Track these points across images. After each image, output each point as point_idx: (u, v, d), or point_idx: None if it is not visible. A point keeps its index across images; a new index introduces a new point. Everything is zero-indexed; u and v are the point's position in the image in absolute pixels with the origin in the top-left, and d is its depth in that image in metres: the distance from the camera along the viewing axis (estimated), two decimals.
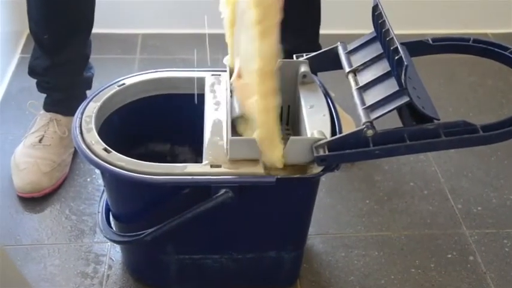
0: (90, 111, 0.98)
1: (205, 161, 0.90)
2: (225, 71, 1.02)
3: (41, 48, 1.27)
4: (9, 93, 1.53)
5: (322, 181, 1.22)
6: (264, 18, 0.82)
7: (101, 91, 1.02)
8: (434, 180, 1.35)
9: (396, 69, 0.86)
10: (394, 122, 0.89)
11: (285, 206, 0.97)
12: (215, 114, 0.98)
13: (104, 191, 1.05)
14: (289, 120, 1.08)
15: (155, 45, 1.74)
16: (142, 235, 0.93)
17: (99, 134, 0.94)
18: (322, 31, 1.34)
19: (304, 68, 1.01)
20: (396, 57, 0.85)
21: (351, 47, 1.00)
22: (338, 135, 0.90)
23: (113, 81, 1.05)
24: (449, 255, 1.18)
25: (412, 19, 1.78)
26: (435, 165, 1.38)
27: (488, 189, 1.33)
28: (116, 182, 0.96)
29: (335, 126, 0.94)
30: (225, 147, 0.91)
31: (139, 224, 0.96)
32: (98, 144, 0.92)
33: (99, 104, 1.00)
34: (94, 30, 1.29)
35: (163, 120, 1.09)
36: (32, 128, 1.33)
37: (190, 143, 1.09)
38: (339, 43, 1.02)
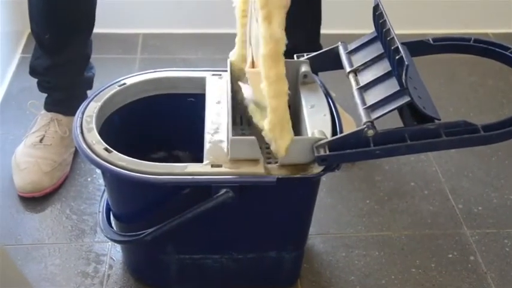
0: (91, 111, 0.98)
1: (205, 161, 0.90)
2: (226, 70, 1.02)
3: (42, 48, 1.27)
4: (10, 93, 1.53)
5: (323, 181, 1.22)
6: (267, 2, 0.82)
7: (101, 91, 1.02)
8: (435, 180, 1.35)
9: (397, 69, 0.86)
10: (394, 122, 0.89)
11: (285, 206, 0.97)
12: (216, 114, 0.98)
13: (104, 190, 1.05)
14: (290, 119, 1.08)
15: (156, 45, 1.74)
16: (143, 235, 0.93)
17: (100, 133, 0.94)
18: (322, 31, 1.34)
19: (304, 68, 1.01)
20: (397, 57, 0.85)
21: (351, 46, 1.00)
22: (339, 135, 0.90)
23: (113, 81, 1.05)
24: (450, 255, 1.18)
25: (412, 19, 1.78)
26: (436, 165, 1.38)
27: (489, 189, 1.33)
28: (116, 182, 0.96)
29: (336, 126, 0.94)
30: (225, 147, 0.91)
31: (140, 224, 0.96)
32: (99, 144, 0.92)
33: (99, 103, 1.00)
34: (95, 30, 1.30)
35: (163, 120, 1.09)
36: (33, 128, 1.33)
37: (191, 142, 1.09)
38: (339, 43, 1.02)
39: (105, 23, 1.46)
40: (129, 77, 1.06)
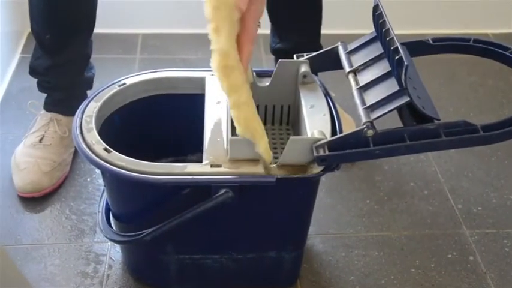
0: (90, 111, 0.98)
1: (205, 161, 0.90)
2: None
3: (42, 48, 1.28)
4: (9, 93, 1.53)
5: (322, 181, 1.22)
6: (214, 16, 0.82)
7: (101, 91, 1.02)
8: (434, 180, 1.35)
9: (396, 69, 0.86)
10: (394, 122, 0.89)
11: (285, 206, 0.97)
12: (215, 114, 0.98)
13: (104, 190, 1.05)
14: (290, 120, 1.08)
15: (155, 45, 1.74)
16: (142, 235, 0.93)
17: (100, 133, 0.94)
18: (322, 31, 1.34)
19: (304, 68, 1.01)
20: (396, 57, 0.85)
21: (351, 47, 1.00)
22: (338, 135, 0.90)
23: (113, 81, 1.05)
24: (450, 255, 1.18)
25: (412, 19, 1.78)
26: (435, 165, 1.38)
27: (489, 189, 1.33)
28: (116, 182, 0.96)
29: (335, 126, 0.94)
30: (225, 147, 0.91)
31: (140, 224, 0.96)
32: (98, 144, 0.92)
33: (99, 103, 1.00)
34: (94, 30, 1.30)
35: (163, 120, 1.09)
36: (33, 128, 1.33)
37: (190, 142, 1.09)
38: (339, 43, 1.02)
39: (105, 23, 1.46)
40: (129, 77, 1.06)
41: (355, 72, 0.95)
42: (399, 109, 0.88)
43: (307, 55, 1.03)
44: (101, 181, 1.26)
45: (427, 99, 0.90)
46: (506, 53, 0.95)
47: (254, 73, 1.01)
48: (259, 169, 0.88)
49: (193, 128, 1.01)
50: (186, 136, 1.08)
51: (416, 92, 0.87)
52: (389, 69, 0.89)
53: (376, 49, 0.95)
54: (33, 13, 1.25)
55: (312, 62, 1.02)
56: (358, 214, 1.26)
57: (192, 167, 0.89)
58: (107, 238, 1.00)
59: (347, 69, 0.96)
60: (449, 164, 1.39)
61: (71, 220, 1.22)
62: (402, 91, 0.84)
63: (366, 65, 0.94)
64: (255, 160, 0.89)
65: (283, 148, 0.90)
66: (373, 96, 0.88)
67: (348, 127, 0.98)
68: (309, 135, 0.90)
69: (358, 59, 0.96)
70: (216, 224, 0.96)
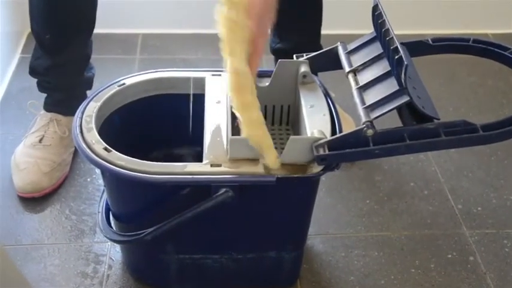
0: (90, 111, 0.98)
1: (205, 160, 0.90)
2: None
3: (42, 48, 1.28)
4: (9, 93, 1.53)
5: (322, 181, 1.22)
6: (229, 37, 0.84)
7: (101, 91, 1.02)
8: (434, 180, 1.35)
9: (396, 68, 0.86)
10: (394, 122, 0.89)
11: (285, 206, 0.97)
12: (215, 114, 0.98)
13: (104, 190, 1.05)
14: (290, 119, 1.08)
15: (155, 45, 1.74)
16: (142, 235, 0.93)
17: (100, 133, 0.94)
18: (322, 31, 1.34)
19: (304, 68, 1.01)
20: (396, 57, 0.85)
21: (351, 47, 1.00)
22: (338, 135, 0.90)
23: (113, 81, 1.05)
24: (449, 256, 1.18)
25: (412, 19, 1.78)
26: (435, 165, 1.38)
27: (489, 189, 1.33)
28: (116, 182, 0.97)
29: (335, 125, 0.94)
30: (225, 146, 0.92)
31: (140, 224, 0.96)
32: (98, 144, 0.92)
33: (99, 103, 1.00)
34: (94, 30, 1.30)
35: (163, 120, 1.09)
36: (32, 128, 1.33)
37: (190, 142, 1.09)
38: (339, 43, 1.02)
39: (105, 23, 1.46)
40: (129, 77, 1.06)
41: (354, 72, 0.95)
42: (399, 109, 0.88)
43: (307, 55, 1.03)
44: (100, 181, 1.26)
45: (427, 99, 0.90)
46: (505, 53, 0.95)
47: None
48: (259, 169, 0.89)
49: (193, 127, 1.01)
50: (186, 135, 1.08)
51: (416, 91, 0.87)
52: (389, 69, 0.89)
53: (376, 49, 0.95)
54: (33, 13, 1.25)
55: (311, 62, 1.02)
56: (358, 214, 1.26)
57: (192, 167, 0.89)
58: (107, 238, 1.00)
59: (347, 69, 0.96)
60: (449, 163, 1.39)
61: (71, 220, 1.22)
62: (402, 91, 0.84)
63: (366, 65, 0.94)
64: (255, 160, 0.89)
65: (283, 148, 0.90)
66: (373, 96, 0.88)
67: (348, 127, 0.98)
68: (309, 134, 0.90)
69: (358, 59, 0.96)
70: (216, 224, 0.96)
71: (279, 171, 0.89)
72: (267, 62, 1.35)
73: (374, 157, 0.87)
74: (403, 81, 0.83)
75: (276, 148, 1.03)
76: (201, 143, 0.94)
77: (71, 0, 1.22)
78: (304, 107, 0.97)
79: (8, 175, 1.28)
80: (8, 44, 1.61)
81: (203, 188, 0.89)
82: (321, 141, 0.87)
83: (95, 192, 1.27)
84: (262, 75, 1.04)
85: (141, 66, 1.65)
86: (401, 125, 0.89)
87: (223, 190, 0.88)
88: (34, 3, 1.23)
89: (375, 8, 0.95)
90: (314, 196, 0.99)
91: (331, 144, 0.87)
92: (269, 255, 1.04)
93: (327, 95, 1.00)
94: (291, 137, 0.88)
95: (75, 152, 1.33)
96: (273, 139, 1.05)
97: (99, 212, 1.04)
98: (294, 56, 1.03)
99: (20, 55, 1.65)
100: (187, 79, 1.06)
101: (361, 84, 0.92)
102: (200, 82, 1.05)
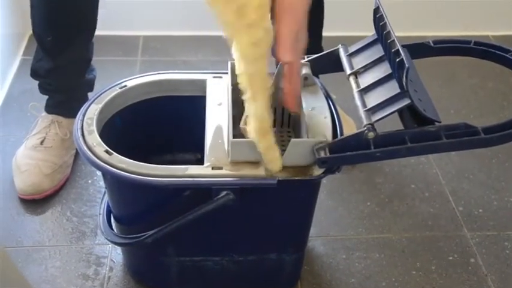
0: (91, 113, 0.98)
1: (206, 163, 0.90)
2: (226, 72, 1.02)
3: (43, 50, 1.28)
4: (11, 95, 1.53)
5: (323, 183, 1.22)
6: (251, 85, 0.84)
7: (102, 93, 1.02)
8: (435, 182, 1.35)
9: (397, 71, 0.86)
10: (395, 125, 0.89)
11: (286, 208, 0.97)
12: (216, 116, 0.98)
13: (105, 192, 1.05)
14: (291, 122, 1.08)
15: (156, 47, 1.74)
16: (143, 237, 0.93)
17: (101, 136, 0.95)
18: (323, 33, 1.34)
19: (305, 70, 1.01)
20: (397, 60, 0.85)
21: (352, 49, 1.00)
22: (339, 138, 0.90)
23: (114, 83, 1.05)
24: (451, 258, 1.18)
25: (413, 21, 1.78)
26: (436, 167, 1.38)
27: (489, 191, 1.33)
28: (117, 184, 0.97)
29: (336, 128, 0.94)
30: (226, 149, 0.92)
31: (141, 226, 0.96)
32: (100, 146, 0.92)
33: (100, 106, 1.00)
34: (96, 33, 1.30)
35: (164, 122, 1.09)
36: (34, 130, 1.33)
37: (192, 145, 1.09)
38: (340, 45, 1.02)
39: (106, 25, 1.46)
40: (130, 79, 1.06)
41: (356, 74, 0.95)
42: (400, 111, 0.88)
43: (308, 57, 1.03)
44: (102, 183, 1.26)
45: (428, 101, 0.90)
46: (506, 55, 0.95)
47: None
48: (260, 171, 0.89)
49: (194, 130, 1.01)
50: (187, 138, 1.08)
51: (417, 94, 0.87)
52: (390, 71, 0.89)
53: (377, 51, 0.95)
54: (34, 15, 1.25)
55: (313, 64, 1.02)
56: (359, 216, 1.26)
57: (193, 169, 0.89)
58: (108, 240, 1.00)
59: (348, 71, 0.96)
60: (450, 166, 1.39)
61: (72, 222, 1.22)
62: (403, 93, 0.84)
63: (367, 68, 0.94)
64: (256, 162, 0.89)
65: (284, 150, 0.90)
66: (374, 98, 0.88)
67: (349, 129, 0.99)
68: (310, 137, 0.90)
69: (359, 62, 0.96)
70: (216, 226, 0.96)
71: (280, 174, 0.89)
72: (268, 64, 1.35)
73: (375, 160, 0.87)
74: (404, 84, 0.83)
75: None
76: (203, 145, 0.94)
77: (71, 1, 1.22)
78: (305, 109, 0.97)
79: (9, 177, 1.28)
80: (9, 46, 1.61)
81: (204, 191, 0.89)
82: (322, 143, 0.87)
83: (96, 194, 1.27)
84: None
85: (142, 68, 1.65)
86: (403, 128, 0.89)
87: (224, 193, 0.88)
88: (35, 5, 1.24)
89: (376, 10, 0.95)
90: (315, 198, 0.99)
91: (332, 147, 0.87)
92: (270, 258, 1.04)
93: (328, 97, 1.00)
94: (292, 140, 0.88)
95: (76, 154, 1.33)
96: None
97: (100, 214, 1.04)
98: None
99: (22, 57, 1.66)
100: (189, 81, 1.06)
101: (362, 86, 0.92)
102: (201, 84, 1.05)
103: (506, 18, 1.84)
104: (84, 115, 0.98)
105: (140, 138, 1.09)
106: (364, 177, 1.35)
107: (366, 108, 0.87)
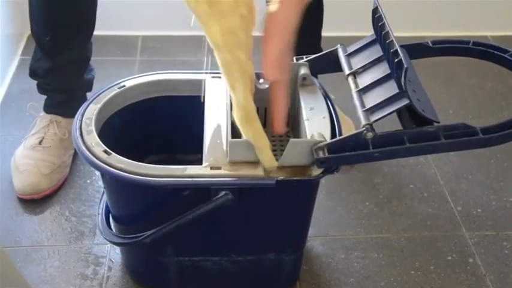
0: (90, 113, 0.98)
1: (205, 163, 0.90)
2: None
3: (42, 50, 1.28)
4: (9, 94, 1.53)
5: (322, 183, 1.22)
6: (229, 73, 0.84)
7: (101, 93, 1.02)
8: (434, 182, 1.35)
9: (396, 71, 0.86)
10: (393, 125, 0.89)
11: (284, 208, 0.97)
12: (215, 116, 0.98)
13: (103, 192, 1.05)
14: (289, 122, 1.08)
15: (155, 47, 1.74)
16: (142, 237, 0.93)
17: (100, 136, 0.95)
18: (322, 33, 1.34)
19: (304, 70, 1.01)
20: (396, 60, 0.85)
21: (351, 49, 1.00)
22: (338, 138, 0.90)
23: (113, 83, 1.05)
24: (449, 258, 1.18)
25: (412, 21, 1.78)
26: (435, 167, 1.38)
27: (488, 191, 1.33)
28: (115, 184, 0.97)
29: (335, 128, 0.94)
30: (224, 149, 0.92)
31: (139, 226, 0.96)
32: (98, 146, 0.92)
33: (99, 106, 1.00)
34: (94, 32, 1.30)
35: (163, 122, 1.09)
36: (32, 130, 1.33)
37: (191, 145, 1.09)
38: (339, 45, 1.02)
39: (105, 25, 1.46)
40: (129, 79, 1.06)
41: (354, 74, 0.95)
42: (399, 111, 0.88)
43: (306, 57, 1.03)
44: (100, 183, 1.26)
45: (427, 101, 0.90)
46: (505, 55, 0.95)
47: (254, 75, 1.01)
48: (259, 171, 0.89)
49: (193, 130, 1.01)
50: (186, 138, 1.08)
51: (416, 94, 0.87)
52: (389, 71, 0.89)
53: (376, 52, 0.95)
54: (33, 15, 1.25)
55: (311, 64, 1.02)
56: (357, 216, 1.26)
57: (191, 169, 0.89)
58: (107, 240, 1.00)
59: (347, 71, 0.96)
60: (449, 166, 1.39)
61: (71, 222, 1.22)
62: (402, 94, 0.85)
63: (366, 68, 0.94)
64: (255, 162, 0.89)
65: (282, 150, 0.90)
66: (373, 98, 0.88)
67: (348, 129, 0.99)
68: (309, 137, 0.90)
69: (358, 62, 0.97)
70: (215, 226, 0.96)
71: (278, 174, 0.89)
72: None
73: (374, 160, 0.87)
74: (403, 84, 0.83)
75: (275, 151, 1.04)
76: (201, 145, 0.94)
77: (71, 1, 1.22)
78: (304, 109, 0.97)
79: (7, 177, 1.28)
80: (8, 46, 1.61)
81: (203, 191, 0.89)
82: (321, 144, 0.87)
83: (95, 194, 1.27)
84: (261, 76, 1.04)
85: (141, 68, 1.65)
86: (401, 128, 0.89)
87: (222, 193, 0.88)
88: (34, 5, 1.24)
89: (375, 10, 0.95)
90: (314, 199, 0.99)
91: (331, 147, 0.87)
92: (269, 258, 1.04)
93: (326, 97, 1.00)
94: (291, 140, 0.88)
95: (75, 154, 1.33)
96: (273, 141, 1.06)
97: (98, 214, 1.04)
98: (294, 58, 1.03)
99: (20, 57, 1.65)
100: (188, 81, 1.06)
101: (361, 86, 0.92)
102: (200, 84, 1.05)
103: (504, 19, 1.84)
104: (82, 115, 0.98)
105: (139, 138, 1.09)
106: (363, 177, 1.35)
107: (365, 109, 0.87)
